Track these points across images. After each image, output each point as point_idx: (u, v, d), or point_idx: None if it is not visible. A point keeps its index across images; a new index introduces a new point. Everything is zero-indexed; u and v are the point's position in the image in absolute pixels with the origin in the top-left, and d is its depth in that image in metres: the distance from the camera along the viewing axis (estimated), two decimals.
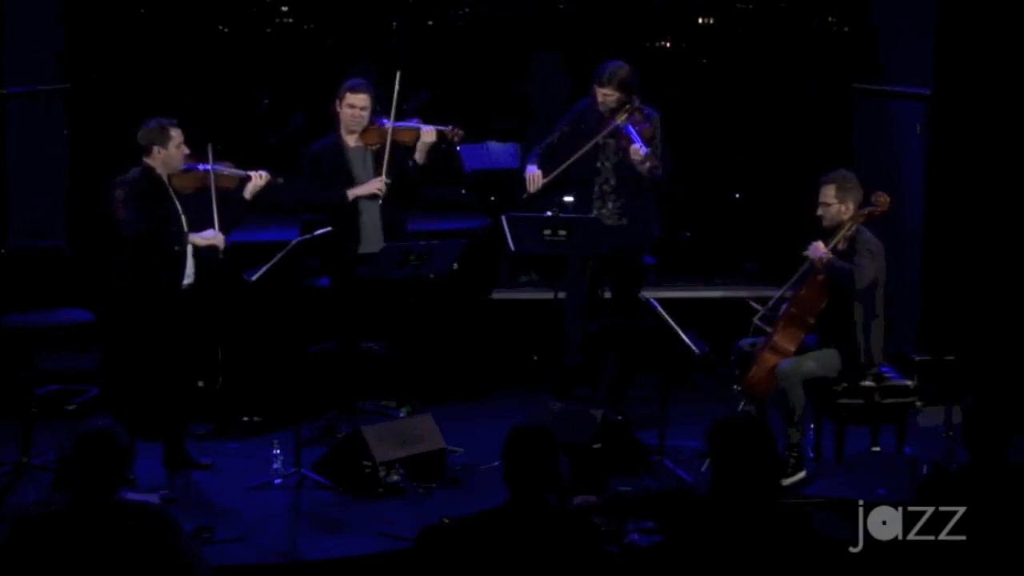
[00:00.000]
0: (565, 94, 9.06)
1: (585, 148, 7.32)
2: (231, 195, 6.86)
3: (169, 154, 6.72)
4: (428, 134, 7.37)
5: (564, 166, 7.33)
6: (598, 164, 7.45)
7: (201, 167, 6.79)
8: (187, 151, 6.76)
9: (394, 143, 7.37)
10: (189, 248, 6.76)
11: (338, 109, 7.45)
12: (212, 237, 6.76)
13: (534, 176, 7.41)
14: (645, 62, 10.07)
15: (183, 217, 6.75)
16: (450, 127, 7.42)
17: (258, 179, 6.90)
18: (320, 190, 7.42)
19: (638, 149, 7.19)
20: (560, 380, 7.48)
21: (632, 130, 7.24)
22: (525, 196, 7.41)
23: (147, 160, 6.73)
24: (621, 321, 7.61)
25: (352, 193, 7.38)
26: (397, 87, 7.37)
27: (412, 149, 7.42)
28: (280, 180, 7.01)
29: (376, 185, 7.36)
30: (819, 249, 6.57)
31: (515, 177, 7.82)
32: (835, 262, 6.53)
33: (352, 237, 7.40)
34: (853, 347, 6.65)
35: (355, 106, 7.40)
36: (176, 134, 6.73)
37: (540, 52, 10.09)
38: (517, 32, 10.21)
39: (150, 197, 6.68)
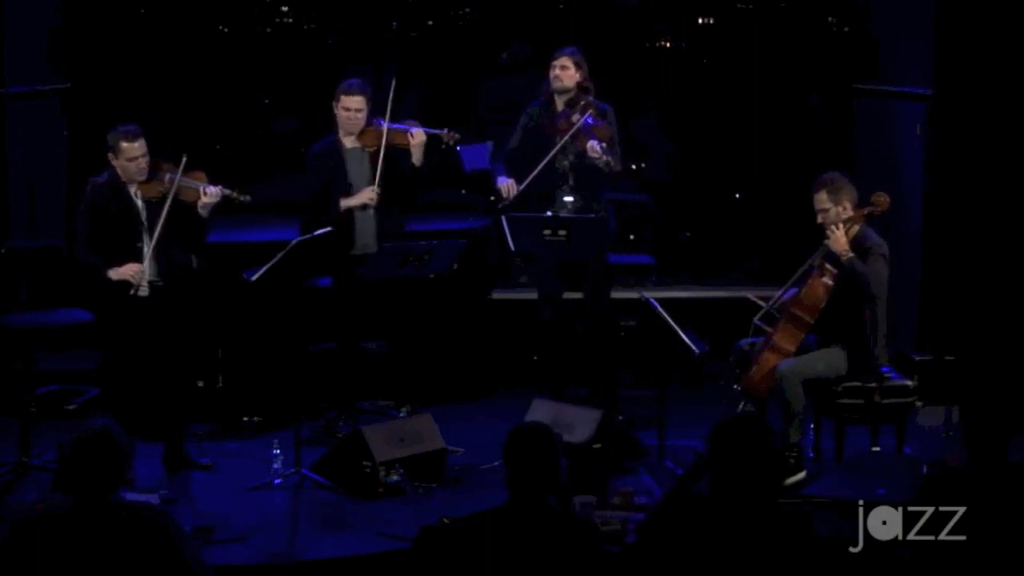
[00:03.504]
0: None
1: (555, 150, 7.34)
2: (191, 208, 6.80)
3: (121, 165, 6.72)
4: (419, 135, 7.36)
5: (536, 171, 7.34)
6: (556, 164, 7.46)
7: (168, 176, 6.75)
8: (143, 165, 6.70)
9: (389, 145, 7.36)
10: (147, 259, 6.72)
11: (335, 111, 7.45)
12: (124, 271, 6.69)
13: (509, 185, 7.43)
14: (645, 62, 10.12)
15: (144, 224, 6.74)
16: (446, 130, 7.43)
17: (204, 195, 6.76)
18: (319, 192, 7.42)
19: (595, 147, 7.23)
20: (556, 380, 7.48)
21: (590, 128, 7.27)
22: (501, 205, 7.42)
23: (112, 163, 6.77)
24: (597, 322, 7.62)
25: (344, 204, 7.37)
26: (392, 92, 7.36)
27: (407, 150, 7.42)
28: (247, 199, 6.88)
29: (367, 195, 7.35)
30: (841, 241, 6.56)
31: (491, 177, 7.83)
32: (856, 262, 6.52)
33: (346, 239, 7.39)
34: (861, 347, 6.64)
35: (350, 108, 7.39)
36: (129, 148, 6.67)
37: (540, 51, 10.07)
38: (517, 32, 10.20)
39: (107, 203, 6.70)
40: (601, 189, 7.60)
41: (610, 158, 7.30)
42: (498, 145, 8.12)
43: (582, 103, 7.43)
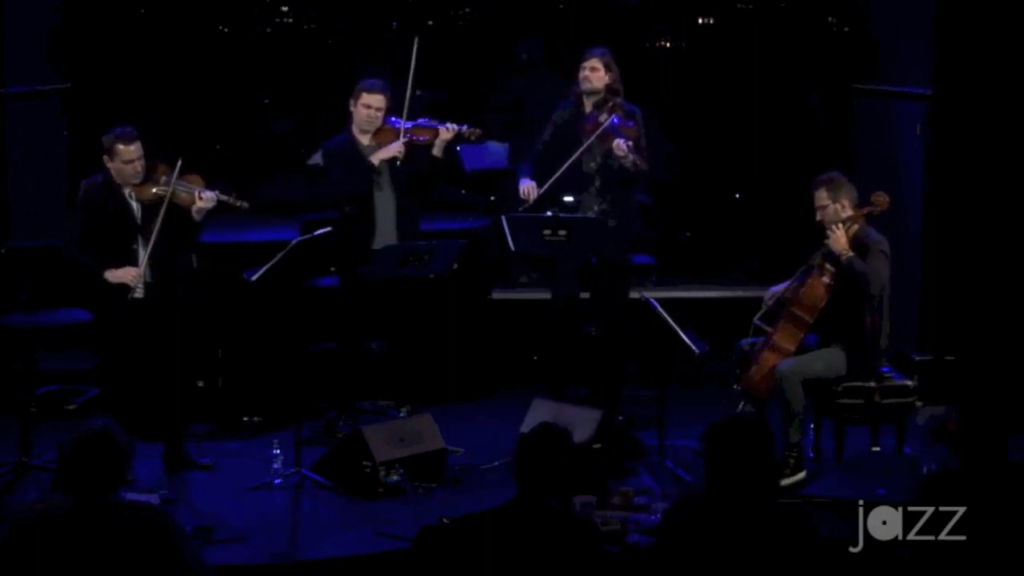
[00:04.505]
0: (566, 93, 9.06)
1: (578, 152, 7.33)
2: (187, 212, 6.80)
3: (116, 167, 6.71)
4: (447, 132, 7.40)
5: (558, 174, 7.33)
6: (582, 167, 7.46)
7: (163, 180, 6.72)
8: (139, 168, 6.70)
9: (408, 142, 7.39)
10: (142, 261, 6.72)
11: (352, 108, 7.47)
12: (123, 274, 6.68)
13: (530, 188, 7.43)
14: (645, 62, 10.11)
15: (139, 226, 6.73)
16: (467, 126, 7.45)
17: (200, 200, 6.75)
18: (334, 189, 7.44)
19: (621, 145, 7.22)
20: (556, 380, 7.48)
21: (617, 128, 7.26)
22: (522, 208, 7.41)
23: (107, 165, 6.76)
24: (613, 322, 7.62)
25: (375, 157, 7.38)
26: (415, 54, 7.36)
27: (425, 147, 7.43)
28: (244, 204, 6.89)
29: (397, 148, 7.36)
30: (841, 240, 6.57)
31: (514, 178, 7.83)
32: (855, 261, 6.53)
33: (367, 230, 7.40)
34: (861, 347, 6.65)
35: (371, 106, 7.41)
36: (125, 151, 6.66)
37: (540, 52, 10.09)
38: (517, 31, 10.21)
39: (102, 204, 6.69)
40: (629, 192, 7.58)
41: (636, 157, 7.29)
42: (515, 146, 8.12)
43: (610, 104, 7.41)
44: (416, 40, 7.41)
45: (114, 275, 6.68)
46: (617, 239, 7.50)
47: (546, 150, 7.57)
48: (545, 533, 4.27)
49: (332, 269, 7.51)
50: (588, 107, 7.51)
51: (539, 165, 7.54)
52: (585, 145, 7.33)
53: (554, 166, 7.39)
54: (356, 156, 7.44)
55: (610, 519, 5.86)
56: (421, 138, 7.42)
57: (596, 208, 7.49)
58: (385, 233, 7.44)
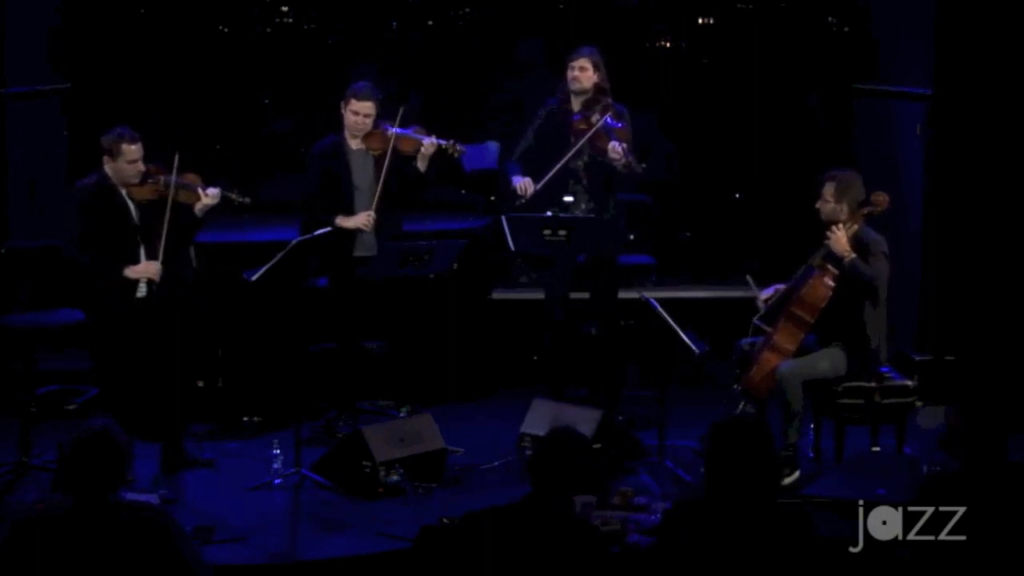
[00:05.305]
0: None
1: (571, 152, 7.32)
2: (188, 209, 6.82)
3: (119, 167, 6.71)
4: (429, 147, 7.36)
5: (553, 171, 7.32)
6: (570, 165, 7.45)
7: (163, 179, 6.75)
8: (142, 168, 6.71)
9: (395, 150, 7.37)
10: (143, 260, 6.75)
11: (343, 111, 7.45)
12: (144, 269, 6.72)
13: (525, 184, 7.42)
14: (645, 62, 10.12)
15: (139, 226, 6.75)
16: (452, 142, 7.40)
17: (205, 197, 6.79)
18: (321, 195, 7.42)
19: (616, 148, 7.21)
20: (556, 380, 7.48)
21: (610, 129, 7.26)
22: (518, 204, 7.39)
23: (104, 165, 6.75)
24: (603, 322, 7.62)
25: (339, 223, 7.35)
26: (401, 113, 7.36)
27: (412, 157, 7.41)
28: (246, 200, 6.92)
29: (362, 220, 7.34)
30: (842, 241, 6.56)
31: (503, 177, 7.83)
32: (859, 264, 6.53)
33: (347, 241, 7.39)
34: (861, 347, 6.65)
35: (359, 113, 7.38)
36: (129, 150, 6.67)
37: (540, 52, 10.08)
38: (517, 31, 10.21)
39: (99, 205, 6.69)
40: (614, 190, 7.59)
41: (631, 159, 7.28)
42: (505, 146, 8.10)
43: (601, 104, 7.40)
44: (401, 109, 7.39)
45: (134, 271, 6.71)
46: (615, 239, 7.50)
47: (533, 149, 7.56)
48: (552, 534, 4.27)
49: (329, 266, 7.50)
50: (576, 106, 7.50)
51: (525, 164, 7.52)
52: (578, 146, 7.32)
53: (540, 163, 7.38)
54: (340, 163, 7.39)
55: (610, 519, 5.85)
56: (405, 148, 7.39)
57: (584, 206, 7.48)
58: (366, 243, 7.42)
